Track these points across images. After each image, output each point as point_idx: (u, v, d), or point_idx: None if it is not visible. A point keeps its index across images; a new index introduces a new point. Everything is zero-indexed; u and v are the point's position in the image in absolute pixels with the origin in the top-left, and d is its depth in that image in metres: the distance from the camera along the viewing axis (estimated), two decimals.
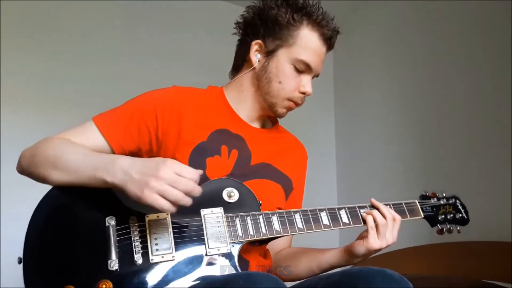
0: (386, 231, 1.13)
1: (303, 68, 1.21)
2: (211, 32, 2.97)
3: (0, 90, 2.35)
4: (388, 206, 1.18)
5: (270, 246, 1.27)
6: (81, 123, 1.18)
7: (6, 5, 2.44)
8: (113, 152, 1.15)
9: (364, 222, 1.14)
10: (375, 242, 1.12)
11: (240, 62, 1.29)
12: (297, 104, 1.26)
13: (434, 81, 2.57)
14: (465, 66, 2.39)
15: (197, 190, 0.96)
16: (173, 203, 0.93)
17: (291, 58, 1.20)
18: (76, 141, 1.12)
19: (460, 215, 1.28)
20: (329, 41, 1.23)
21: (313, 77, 1.26)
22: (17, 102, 2.41)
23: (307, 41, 1.20)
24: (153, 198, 0.92)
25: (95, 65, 2.64)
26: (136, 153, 1.19)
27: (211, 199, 1.08)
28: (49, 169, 1.04)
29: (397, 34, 2.88)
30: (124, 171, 0.96)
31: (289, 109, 1.26)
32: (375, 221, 1.13)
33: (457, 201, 1.31)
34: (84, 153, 1.05)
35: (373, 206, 1.17)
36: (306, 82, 1.22)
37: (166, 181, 0.93)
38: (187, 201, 0.94)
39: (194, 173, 0.96)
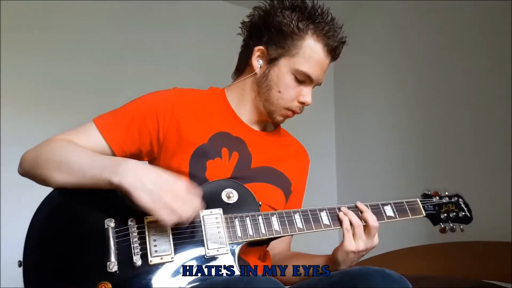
0: (362, 233, 1.11)
1: (303, 78, 1.19)
2: (211, 32, 2.97)
3: (0, 90, 2.36)
4: (368, 208, 1.15)
5: (269, 247, 1.27)
6: (81, 124, 1.18)
7: (6, 5, 2.44)
8: (113, 154, 1.15)
9: (341, 223, 1.12)
10: (350, 244, 1.10)
11: (243, 65, 1.28)
12: (295, 113, 1.25)
13: (434, 81, 2.57)
14: (465, 66, 2.39)
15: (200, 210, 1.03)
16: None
17: (293, 68, 1.18)
18: (76, 142, 1.11)
19: (463, 213, 1.27)
20: (333, 52, 1.21)
21: (314, 86, 1.24)
22: (17, 102, 2.41)
23: (310, 52, 1.17)
24: (161, 212, 0.95)
25: (95, 65, 2.63)
26: (136, 155, 1.19)
27: (210, 200, 1.07)
28: (52, 170, 1.04)
29: (397, 34, 2.88)
30: (137, 176, 0.96)
31: (286, 117, 1.25)
32: (351, 223, 1.11)
33: (460, 199, 1.29)
34: (89, 154, 1.05)
35: (358, 208, 1.15)
36: (306, 92, 1.21)
37: (180, 197, 0.97)
38: (188, 221, 1.00)
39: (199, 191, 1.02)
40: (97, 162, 1.02)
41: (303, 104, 1.22)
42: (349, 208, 1.15)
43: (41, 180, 1.07)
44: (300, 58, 1.18)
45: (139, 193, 0.95)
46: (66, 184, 1.02)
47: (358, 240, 1.10)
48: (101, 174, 0.98)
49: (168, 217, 0.95)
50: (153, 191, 0.95)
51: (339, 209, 1.14)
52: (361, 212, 1.13)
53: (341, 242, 1.12)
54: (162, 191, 0.95)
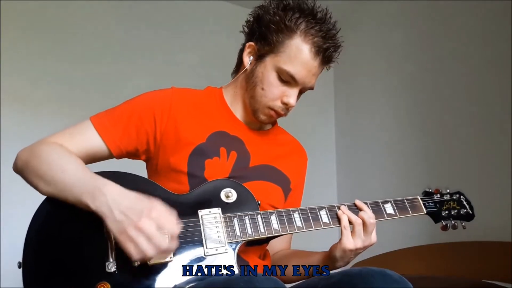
0: (361, 230, 1.10)
1: (287, 78, 1.16)
2: (211, 32, 2.97)
3: (0, 90, 2.36)
4: (367, 205, 1.15)
5: (269, 246, 1.27)
6: (79, 122, 1.17)
7: (6, 5, 2.44)
8: (111, 153, 1.15)
9: (339, 221, 1.12)
10: (348, 242, 1.09)
11: (238, 63, 1.28)
12: (279, 114, 1.21)
13: (434, 79, 2.57)
14: (466, 65, 2.39)
15: (170, 250, 0.96)
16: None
17: (276, 66, 1.16)
18: (73, 141, 1.11)
19: (465, 210, 1.26)
20: (322, 55, 1.15)
21: (305, 91, 1.21)
22: (17, 102, 2.41)
23: (296, 52, 1.14)
24: (126, 246, 0.92)
25: (94, 64, 2.64)
26: (133, 153, 1.19)
27: (209, 199, 1.07)
28: (39, 179, 1.03)
29: (398, 32, 2.88)
30: (108, 206, 0.94)
31: (270, 117, 1.21)
32: (350, 221, 1.11)
33: (461, 196, 1.28)
34: (74, 171, 1.03)
35: (356, 206, 1.15)
36: (290, 94, 1.17)
37: (144, 233, 0.91)
38: (157, 257, 0.94)
39: (175, 229, 0.95)
40: (80, 183, 0.99)
41: (286, 105, 1.19)
42: (348, 206, 1.14)
43: (31, 185, 1.06)
44: (285, 56, 1.15)
45: (109, 223, 0.94)
46: (51, 195, 1.02)
47: (356, 238, 1.10)
48: (80, 196, 0.97)
49: (132, 251, 0.91)
50: (120, 223, 0.92)
51: (339, 208, 1.14)
52: (359, 210, 1.13)
53: (339, 240, 1.12)
54: (128, 224, 0.92)
